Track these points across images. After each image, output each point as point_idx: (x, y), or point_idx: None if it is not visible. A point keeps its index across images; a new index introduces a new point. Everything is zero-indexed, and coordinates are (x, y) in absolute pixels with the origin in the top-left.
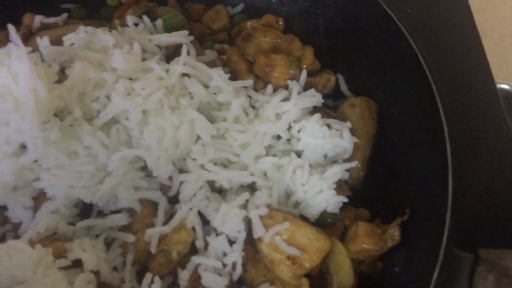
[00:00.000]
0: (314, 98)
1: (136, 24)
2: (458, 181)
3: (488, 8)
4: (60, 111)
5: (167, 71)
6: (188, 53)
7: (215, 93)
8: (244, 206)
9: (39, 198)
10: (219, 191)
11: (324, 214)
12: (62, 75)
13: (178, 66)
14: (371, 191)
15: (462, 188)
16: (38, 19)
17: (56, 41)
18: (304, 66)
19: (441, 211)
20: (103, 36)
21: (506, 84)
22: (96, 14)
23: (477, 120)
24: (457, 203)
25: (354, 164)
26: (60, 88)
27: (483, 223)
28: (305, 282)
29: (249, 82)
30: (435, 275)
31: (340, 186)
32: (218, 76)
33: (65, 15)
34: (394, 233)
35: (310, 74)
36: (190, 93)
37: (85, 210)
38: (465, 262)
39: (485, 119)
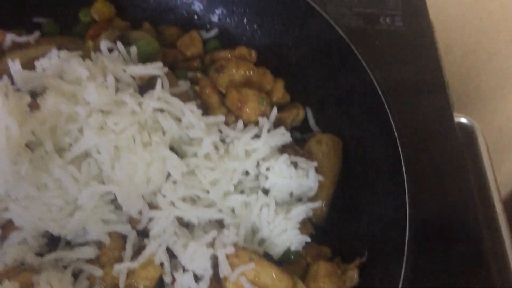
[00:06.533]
0: (283, 136)
1: (109, 50)
2: (415, 222)
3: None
4: (30, 142)
5: (140, 104)
6: (162, 86)
7: (187, 127)
8: (211, 244)
9: (7, 226)
10: (187, 225)
11: (287, 252)
12: (32, 101)
13: (151, 101)
14: (333, 227)
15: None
16: (10, 38)
17: (28, 63)
18: (275, 99)
19: (398, 254)
20: (77, 68)
21: (465, 118)
22: (69, 30)
23: (434, 156)
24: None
25: (318, 204)
26: (31, 121)
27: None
28: None
29: (221, 118)
30: None
31: (304, 224)
32: (190, 112)
33: (37, 33)
34: (352, 275)
35: (279, 107)
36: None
37: (52, 239)
38: None
39: (443, 154)
